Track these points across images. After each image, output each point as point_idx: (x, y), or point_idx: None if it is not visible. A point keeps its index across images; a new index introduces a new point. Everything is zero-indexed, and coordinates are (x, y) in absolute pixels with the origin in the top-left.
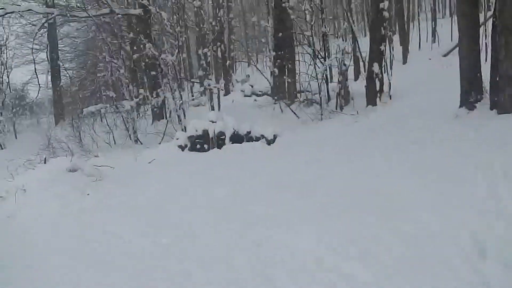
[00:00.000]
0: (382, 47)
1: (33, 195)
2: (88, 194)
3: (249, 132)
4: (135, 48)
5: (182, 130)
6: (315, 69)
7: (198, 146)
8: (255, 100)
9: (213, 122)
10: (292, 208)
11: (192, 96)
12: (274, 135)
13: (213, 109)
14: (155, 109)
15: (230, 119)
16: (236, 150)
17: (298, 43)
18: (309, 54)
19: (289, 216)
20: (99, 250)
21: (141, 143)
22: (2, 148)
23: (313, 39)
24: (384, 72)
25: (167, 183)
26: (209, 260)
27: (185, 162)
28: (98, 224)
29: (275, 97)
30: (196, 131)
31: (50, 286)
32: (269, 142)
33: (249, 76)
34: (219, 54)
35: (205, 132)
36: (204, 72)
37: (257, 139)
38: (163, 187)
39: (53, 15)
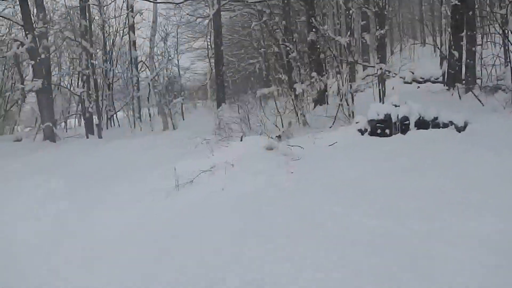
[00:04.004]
0: None
1: (240, 170)
2: (292, 173)
3: (436, 118)
4: (313, 31)
5: (349, 115)
6: (509, 52)
7: (379, 130)
8: (418, 87)
9: (396, 106)
10: None
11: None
12: (464, 122)
13: (383, 94)
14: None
15: (415, 103)
16: (423, 137)
17: (489, 22)
18: (499, 34)
19: None
20: (332, 229)
21: (309, 126)
22: (174, 129)
23: (507, 17)
24: None
25: (361, 166)
26: None
27: (369, 146)
28: (316, 203)
29: (451, 83)
30: (378, 115)
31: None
32: (459, 130)
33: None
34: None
35: (387, 117)
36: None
37: (445, 125)
38: (360, 169)
39: (226, 1)
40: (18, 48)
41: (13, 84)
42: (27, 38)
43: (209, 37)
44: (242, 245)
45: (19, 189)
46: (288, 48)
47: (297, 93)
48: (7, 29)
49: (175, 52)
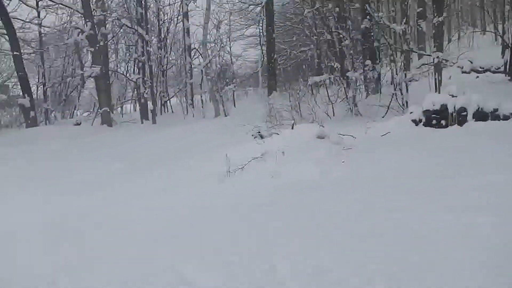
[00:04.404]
0: None
1: (291, 158)
2: (343, 162)
3: (496, 110)
4: (367, 18)
5: (403, 105)
6: None
7: (434, 121)
8: (477, 77)
9: (453, 96)
10: None
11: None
12: None
13: (439, 84)
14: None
15: (474, 94)
16: (480, 129)
17: None
18: None
19: None
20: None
21: (361, 115)
22: (225, 116)
23: None
24: None
25: (415, 157)
26: None
27: (423, 138)
28: (372, 195)
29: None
30: (433, 105)
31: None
32: None
33: None
34: (423, 27)
35: (444, 107)
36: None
37: (506, 117)
38: (414, 162)
39: None
40: (78, 35)
41: (73, 70)
42: (86, 25)
43: (261, 24)
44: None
45: (73, 170)
46: (341, 36)
47: (349, 81)
48: (68, 17)
49: (228, 39)
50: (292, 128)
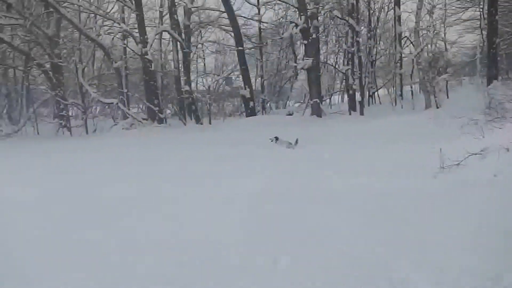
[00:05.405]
0: None
1: None
2: None
3: None
4: None
5: None
6: None
7: None
8: None
9: None
10: None
11: None
12: None
13: None
14: None
15: None
16: None
17: None
18: None
19: None
20: None
21: None
22: (437, 107)
23: None
24: None
25: None
26: None
27: None
28: None
29: None
30: None
31: None
32: None
33: None
34: None
35: None
36: None
37: None
38: None
39: None
40: (292, 29)
41: (287, 63)
42: (300, 19)
43: (481, 5)
44: None
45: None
46: None
47: None
48: (284, 12)
49: (442, 25)
50: None
